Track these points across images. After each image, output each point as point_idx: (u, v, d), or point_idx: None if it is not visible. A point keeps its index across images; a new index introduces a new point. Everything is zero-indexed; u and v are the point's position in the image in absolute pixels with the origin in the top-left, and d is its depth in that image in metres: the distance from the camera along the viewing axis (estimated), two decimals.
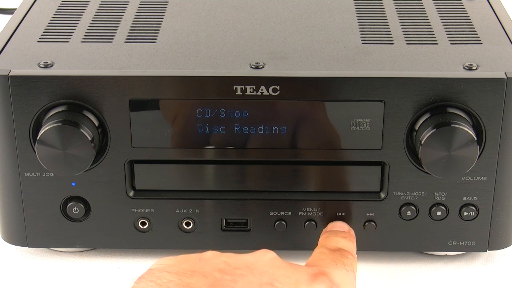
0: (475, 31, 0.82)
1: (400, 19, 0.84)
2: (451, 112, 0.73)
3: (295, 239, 0.80)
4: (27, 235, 0.80)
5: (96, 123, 0.75)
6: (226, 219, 0.80)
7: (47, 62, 0.75)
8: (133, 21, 0.84)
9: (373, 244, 0.80)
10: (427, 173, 0.75)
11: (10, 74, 0.74)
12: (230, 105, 0.74)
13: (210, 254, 0.65)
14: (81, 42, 0.80)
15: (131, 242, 0.80)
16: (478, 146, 0.73)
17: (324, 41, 0.80)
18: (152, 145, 0.76)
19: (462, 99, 0.73)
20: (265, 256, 0.65)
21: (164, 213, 0.79)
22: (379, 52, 0.78)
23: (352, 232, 0.77)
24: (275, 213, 0.79)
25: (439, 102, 0.74)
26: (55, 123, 0.73)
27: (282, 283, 0.63)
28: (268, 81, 0.73)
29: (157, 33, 0.81)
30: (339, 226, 0.78)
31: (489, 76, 0.73)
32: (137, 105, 0.74)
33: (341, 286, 0.66)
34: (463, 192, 0.77)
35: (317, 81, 0.74)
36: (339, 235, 0.75)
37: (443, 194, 0.77)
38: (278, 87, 0.74)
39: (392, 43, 0.79)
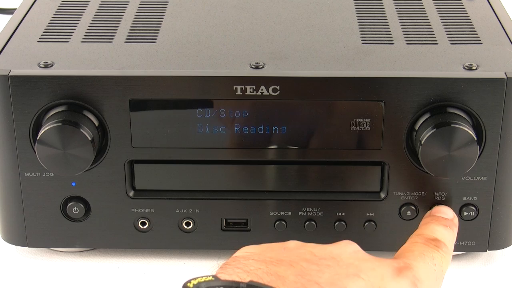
0: (475, 31, 0.82)
1: (400, 19, 0.84)
2: (451, 112, 0.73)
3: (295, 239, 0.79)
4: (27, 235, 0.80)
5: (96, 123, 0.74)
6: (226, 219, 0.80)
7: (47, 62, 0.75)
8: (133, 21, 0.84)
9: (373, 244, 0.80)
10: (427, 173, 0.75)
11: (10, 74, 0.74)
12: (230, 105, 0.74)
13: (294, 244, 0.65)
14: (81, 42, 0.80)
15: (131, 242, 0.80)
16: (478, 146, 0.73)
17: (324, 41, 0.80)
18: (152, 145, 0.76)
19: (462, 99, 0.73)
20: (349, 248, 0.65)
21: (164, 213, 0.79)
22: (379, 52, 0.78)
23: (456, 220, 0.75)
24: (275, 213, 0.79)
25: (439, 102, 0.74)
26: (55, 123, 0.73)
27: (368, 276, 0.62)
28: (268, 81, 0.73)
29: (157, 33, 0.81)
30: (443, 211, 0.76)
31: (489, 76, 0.73)
32: (137, 105, 0.74)
33: (424, 282, 0.65)
34: (463, 192, 0.77)
35: (317, 81, 0.74)
36: (441, 222, 0.73)
37: (443, 194, 0.77)
38: (278, 87, 0.74)
39: (392, 43, 0.79)
